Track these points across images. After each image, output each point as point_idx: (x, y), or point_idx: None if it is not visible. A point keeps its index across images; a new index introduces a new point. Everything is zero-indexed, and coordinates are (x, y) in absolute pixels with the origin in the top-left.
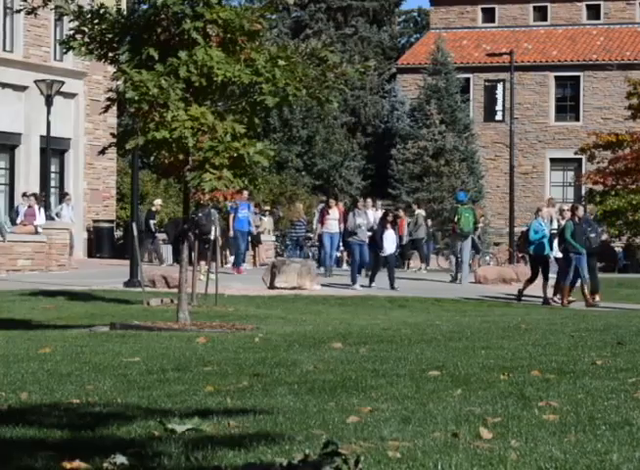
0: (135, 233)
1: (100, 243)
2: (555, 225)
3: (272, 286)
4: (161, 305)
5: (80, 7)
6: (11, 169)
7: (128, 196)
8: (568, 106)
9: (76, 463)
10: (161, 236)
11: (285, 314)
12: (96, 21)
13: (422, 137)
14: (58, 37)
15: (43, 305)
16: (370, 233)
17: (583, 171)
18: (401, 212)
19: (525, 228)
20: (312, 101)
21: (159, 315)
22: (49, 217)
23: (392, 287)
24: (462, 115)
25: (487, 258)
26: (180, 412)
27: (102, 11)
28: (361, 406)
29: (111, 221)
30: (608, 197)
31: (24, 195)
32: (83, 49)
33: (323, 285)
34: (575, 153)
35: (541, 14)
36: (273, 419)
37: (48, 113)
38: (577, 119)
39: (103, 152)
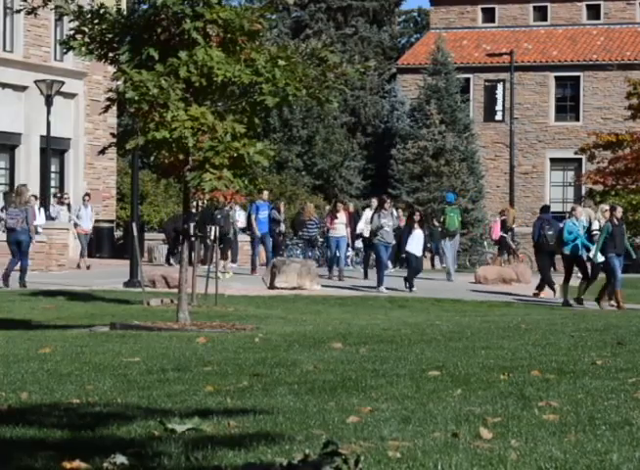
0: (135, 233)
1: (100, 243)
2: (596, 226)
3: (272, 286)
4: (161, 305)
5: (80, 7)
6: (11, 169)
7: (128, 196)
8: (568, 106)
9: (76, 463)
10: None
11: (285, 314)
12: (96, 21)
13: (422, 137)
14: (58, 37)
15: (43, 305)
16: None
17: (583, 171)
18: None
19: (523, 228)
20: (312, 101)
21: (159, 315)
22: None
23: (410, 288)
24: (462, 115)
25: (488, 258)
26: (180, 412)
27: (102, 11)
28: (361, 406)
29: (111, 221)
30: (608, 197)
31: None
32: (83, 49)
33: (335, 286)
34: (575, 153)
35: (541, 14)
36: (273, 419)
37: (48, 113)
38: (577, 119)
39: (103, 152)
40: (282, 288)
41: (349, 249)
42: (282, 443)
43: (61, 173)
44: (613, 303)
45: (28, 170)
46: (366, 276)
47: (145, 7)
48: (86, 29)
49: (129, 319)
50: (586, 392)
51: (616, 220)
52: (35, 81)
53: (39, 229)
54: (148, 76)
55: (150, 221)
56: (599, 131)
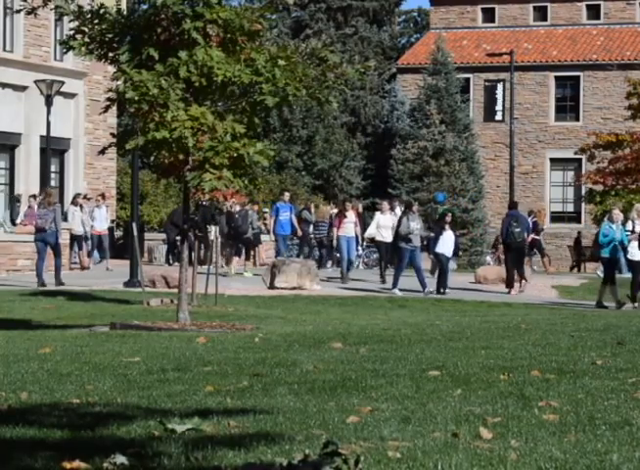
0: (135, 233)
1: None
2: (630, 227)
3: (272, 286)
4: (161, 305)
5: (80, 7)
6: (11, 169)
7: (128, 196)
8: (568, 106)
9: (76, 463)
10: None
11: (285, 314)
12: (96, 21)
13: (422, 137)
14: (58, 37)
15: (43, 305)
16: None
17: (583, 171)
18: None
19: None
20: (312, 101)
21: (159, 315)
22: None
23: (440, 291)
24: (462, 115)
25: (488, 258)
26: (180, 412)
27: (102, 11)
28: (361, 406)
29: (111, 221)
30: (608, 197)
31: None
32: (83, 49)
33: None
34: (575, 153)
35: (541, 14)
36: (273, 419)
37: (48, 113)
38: (577, 119)
39: (103, 152)
40: (282, 288)
41: (359, 247)
42: (282, 443)
43: (61, 173)
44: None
45: (28, 170)
46: (383, 280)
47: (145, 7)
48: (86, 29)
49: (129, 319)
50: (586, 392)
51: None
52: (35, 81)
53: None
54: (148, 76)
55: (150, 221)
56: (599, 131)
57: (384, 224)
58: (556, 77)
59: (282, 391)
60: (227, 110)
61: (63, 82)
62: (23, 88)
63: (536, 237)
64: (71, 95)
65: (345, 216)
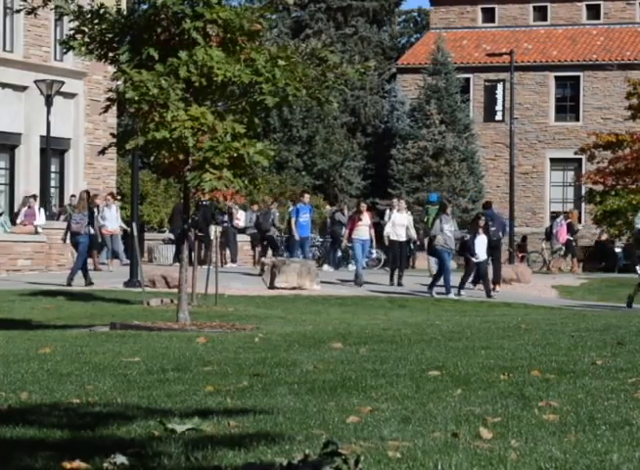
0: (135, 233)
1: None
2: None
3: (272, 286)
4: (161, 305)
5: (80, 7)
6: (11, 169)
7: (128, 196)
8: (568, 106)
9: (76, 463)
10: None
11: (285, 314)
12: (96, 21)
13: (422, 137)
14: (58, 37)
15: (43, 305)
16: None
17: (583, 171)
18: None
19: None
20: (312, 101)
21: (159, 315)
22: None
23: (489, 295)
24: (462, 115)
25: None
26: (180, 412)
27: (102, 11)
28: (361, 406)
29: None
30: (608, 197)
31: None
32: (83, 49)
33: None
34: (575, 153)
35: (541, 14)
36: (273, 419)
37: (48, 113)
38: (577, 119)
39: (103, 152)
40: (282, 288)
41: (372, 250)
42: (282, 443)
43: (61, 173)
44: None
45: (28, 170)
46: (392, 281)
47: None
48: (86, 29)
49: (129, 319)
50: (586, 392)
51: None
52: (35, 81)
53: (39, 229)
54: (148, 76)
55: (150, 221)
56: (599, 131)
57: (399, 223)
58: (556, 77)
59: (282, 391)
60: (227, 110)
61: (63, 82)
62: (23, 88)
63: (570, 238)
64: (71, 95)
65: (361, 219)
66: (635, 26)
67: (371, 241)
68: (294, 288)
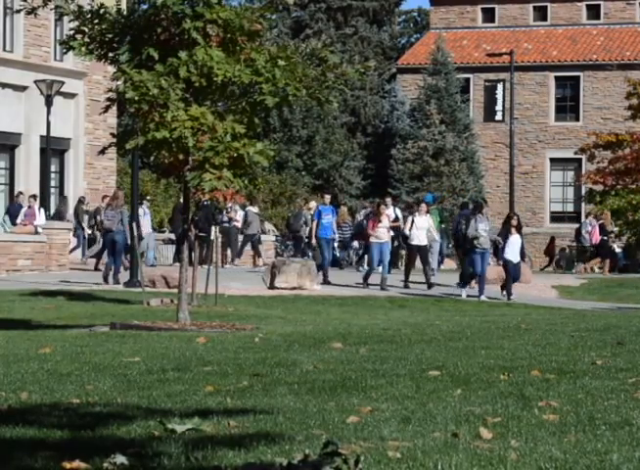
0: (135, 233)
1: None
2: None
3: (272, 286)
4: (161, 305)
5: (80, 7)
6: (11, 169)
7: (128, 196)
8: (568, 106)
9: (76, 463)
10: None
11: (285, 314)
12: (96, 21)
13: (422, 137)
14: (58, 37)
15: (43, 305)
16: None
17: (583, 171)
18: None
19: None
20: (312, 101)
21: (159, 315)
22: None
23: (509, 297)
24: (462, 115)
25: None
26: (180, 412)
27: (102, 11)
28: (361, 406)
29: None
30: (608, 197)
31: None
32: (83, 49)
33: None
34: (575, 153)
35: (541, 14)
36: (273, 419)
37: (48, 113)
38: (577, 119)
39: (103, 152)
40: (282, 288)
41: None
42: (282, 443)
43: (61, 173)
44: None
45: (28, 170)
46: (406, 284)
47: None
48: (86, 29)
49: (129, 319)
50: (586, 392)
51: None
52: (35, 81)
53: (39, 229)
54: (148, 76)
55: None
56: (599, 131)
57: (421, 226)
58: (556, 77)
59: (282, 391)
60: (227, 110)
61: (63, 82)
62: (23, 88)
63: (604, 238)
64: (71, 95)
65: (380, 221)
66: (635, 26)
67: (389, 243)
68: (294, 288)
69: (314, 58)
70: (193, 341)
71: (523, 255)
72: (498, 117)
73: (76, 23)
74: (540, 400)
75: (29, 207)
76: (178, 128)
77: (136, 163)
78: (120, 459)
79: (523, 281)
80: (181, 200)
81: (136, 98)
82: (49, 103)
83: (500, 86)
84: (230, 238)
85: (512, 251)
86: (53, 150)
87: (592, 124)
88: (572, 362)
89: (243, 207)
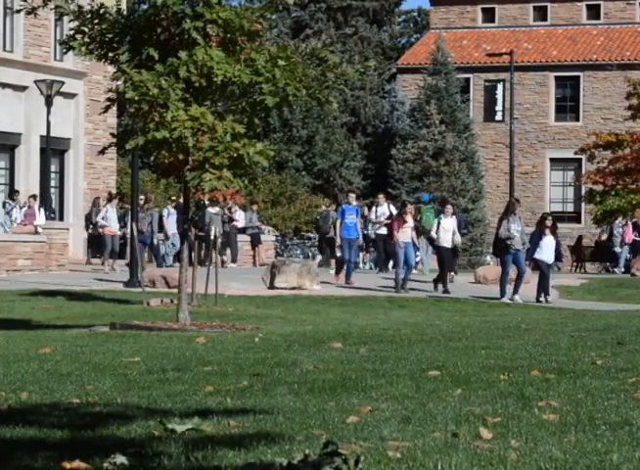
0: (135, 233)
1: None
2: None
3: (272, 286)
4: (161, 305)
5: (80, 7)
6: (11, 169)
7: (128, 196)
8: (568, 106)
9: (76, 463)
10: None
11: (285, 314)
12: (96, 21)
13: (422, 137)
14: (58, 37)
15: (43, 305)
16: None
17: (583, 171)
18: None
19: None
20: (312, 101)
21: (159, 315)
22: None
23: (540, 299)
24: (462, 115)
25: (488, 258)
26: (180, 412)
27: (102, 11)
28: (361, 406)
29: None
30: (608, 197)
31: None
32: (83, 49)
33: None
34: (575, 153)
35: (541, 14)
36: (273, 419)
37: (48, 113)
38: (577, 119)
39: (103, 152)
40: (282, 288)
41: (417, 253)
42: (282, 443)
43: (61, 173)
44: None
45: (28, 170)
46: (437, 287)
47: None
48: (86, 29)
49: (129, 319)
50: (586, 392)
51: None
52: (35, 81)
53: (39, 229)
54: (148, 76)
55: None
56: (599, 131)
57: (447, 228)
58: (556, 77)
59: (282, 391)
60: (227, 110)
61: (63, 82)
62: (23, 88)
63: (637, 238)
64: (71, 95)
65: (405, 221)
66: (635, 26)
67: (414, 244)
68: (294, 288)
69: (314, 58)
70: (193, 341)
71: (558, 255)
72: (498, 117)
73: (76, 23)
74: (540, 400)
75: (29, 207)
76: (178, 128)
77: (136, 163)
78: (120, 459)
79: (523, 281)
80: (181, 200)
81: (136, 98)
82: (49, 103)
83: (500, 86)
84: (230, 238)
85: (545, 252)
86: (53, 150)
87: (592, 124)
88: (572, 362)
89: (243, 207)
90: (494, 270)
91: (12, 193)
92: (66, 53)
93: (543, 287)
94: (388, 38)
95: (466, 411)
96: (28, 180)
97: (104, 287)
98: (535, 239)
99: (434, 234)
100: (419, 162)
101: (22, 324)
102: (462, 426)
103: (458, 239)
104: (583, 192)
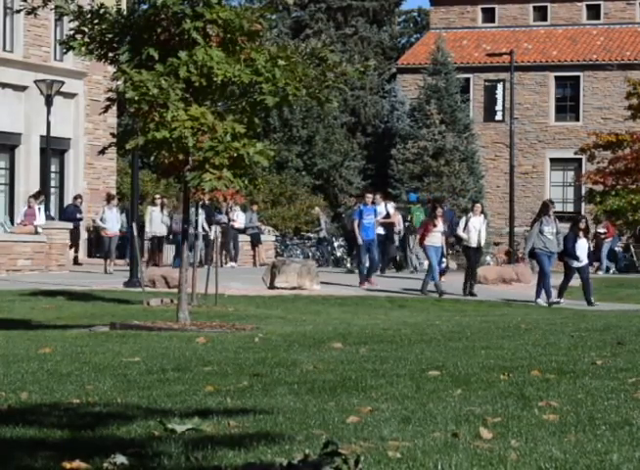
0: (135, 233)
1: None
2: None
3: (272, 286)
4: (161, 305)
5: (80, 7)
6: (11, 169)
7: (128, 196)
8: (568, 106)
9: (76, 463)
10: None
11: (285, 314)
12: (96, 21)
13: (422, 137)
14: (58, 37)
15: (43, 305)
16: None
17: (583, 171)
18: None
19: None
20: (312, 101)
21: (159, 315)
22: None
23: (590, 303)
24: (462, 115)
25: (488, 258)
26: (180, 412)
27: (102, 11)
28: (361, 406)
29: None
30: (608, 197)
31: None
32: (83, 49)
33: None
34: (575, 153)
35: (541, 14)
36: (273, 419)
37: (48, 113)
38: (577, 119)
39: (103, 152)
40: (282, 288)
41: (443, 259)
42: (282, 443)
43: (61, 173)
44: None
45: (28, 170)
46: (465, 291)
47: (145, 7)
48: (86, 29)
49: (129, 319)
50: (586, 392)
51: None
52: (35, 81)
53: (39, 229)
54: (148, 76)
55: None
56: (599, 131)
57: (477, 227)
58: (556, 77)
59: (282, 391)
60: (227, 110)
61: (63, 82)
62: (23, 88)
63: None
64: (71, 95)
65: (435, 225)
66: (635, 26)
67: (442, 248)
68: (294, 288)
69: (314, 57)
70: (193, 341)
71: (591, 258)
72: (498, 117)
73: (76, 23)
74: (540, 400)
75: (29, 207)
76: (178, 128)
77: (136, 163)
78: (120, 459)
79: (523, 281)
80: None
81: (136, 98)
82: (49, 103)
83: (500, 86)
84: (229, 238)
85: (581, 254)
86: (53, 150)
87: (592, 124)
88: (572, 362)
89: (243, 207)
90: (494, 270)
91: (38, 193)
92: (66, 53)
93: (587, 291)
94: (388, 38)
95: (466, 411)
96: (28, 180)
97: (104, 287)
98: (570, 242)
99: (462, 234)
100: (419, 162)
101: (22, 324)
102: (462, 426)
103: (484, 238)
104: (583, 192)
